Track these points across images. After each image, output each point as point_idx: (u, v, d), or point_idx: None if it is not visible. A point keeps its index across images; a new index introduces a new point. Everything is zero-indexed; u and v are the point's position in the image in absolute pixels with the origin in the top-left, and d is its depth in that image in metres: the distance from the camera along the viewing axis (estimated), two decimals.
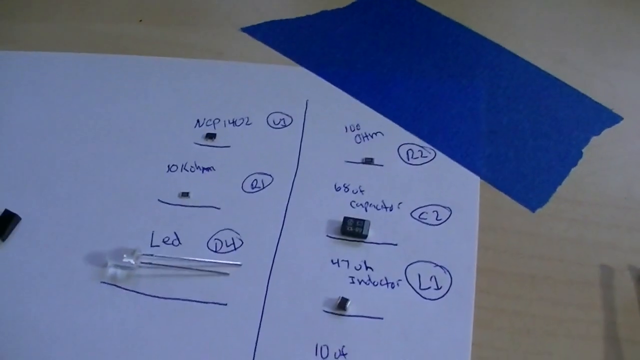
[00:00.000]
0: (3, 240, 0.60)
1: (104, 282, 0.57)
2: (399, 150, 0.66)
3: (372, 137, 0.67)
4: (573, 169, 0.65)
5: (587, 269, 0.59)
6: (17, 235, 0.61)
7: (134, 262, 0.58)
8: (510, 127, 0.68)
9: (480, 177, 0.64)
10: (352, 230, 0.59)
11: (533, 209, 0.62)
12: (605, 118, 0.69)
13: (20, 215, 0.62)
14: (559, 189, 0.64)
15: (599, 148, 0.67)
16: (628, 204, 0.63)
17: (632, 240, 0.60)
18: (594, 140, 0.68)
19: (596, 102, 0.70)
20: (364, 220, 0.59)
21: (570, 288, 0.57)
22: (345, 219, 0.60)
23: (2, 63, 0.77)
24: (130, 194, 0.63)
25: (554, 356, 0.54)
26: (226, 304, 0.56)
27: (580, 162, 0.66)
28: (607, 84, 0.73)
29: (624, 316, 0.56)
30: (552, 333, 0.55)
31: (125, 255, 0.58)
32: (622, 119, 0.69)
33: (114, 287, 0.57)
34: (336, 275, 0.57)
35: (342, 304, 0.55)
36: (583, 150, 0.66)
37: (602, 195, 0.63)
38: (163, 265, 0.58)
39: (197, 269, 0.58)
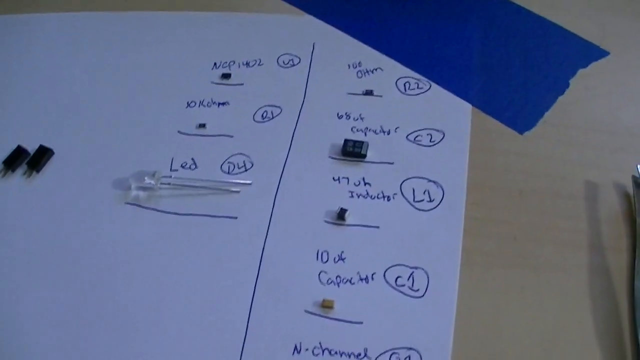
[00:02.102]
0: (38, 172, 0.60)
1: (128, 203, 0.57)
2: (397, 83, 0.64)
3: (372, 72, 0.65)
4: (560, 97, 0.63)
5: (572, 184, 0.57)
6: (51, 167, 0.61)
7: (154, 183, 0.57)
8: (501, 61, 0.66)
9: (472, 105, 0.62)
10: (352, 150, 0.58)
11: (521, 132, 0.60)
12: (593, 53, 0.66)
13: (54, 150, 0.62)
14: (546, 114, 0.61)
15: (586, 79, 0.65)
16: (613, 128, 0.60)
17: (616, 160, 0.58)
18: (581, 72, 0.65)
19: (585, 40, 0.68)
20: (362, 142, 0.58)
21: (556, 201, 0.55)
22: (346, 140, 0.58)
23: (34, 25, 0.76)
24: (153, 128, 0.63)
25: (539, 260, 0.52)
26: (237, 217, 0.55)
27: (567, 91, 0.63)
28: (596, 25, 0.70)
29: (608, 227, 0.54)
30: (538, 240, 0.53)
31: (146, 177, 0.58)
32: (608, 53, 0.67)
33: (137, 207, 0.57)
34: (337, 190, 0.56)
35: (341, 214, 0.54)
36: (570, 81, 0.64)
37: (587, 120, 0.61)
38: (181, 185, 0.57)
39: (211, 188, 0.57)
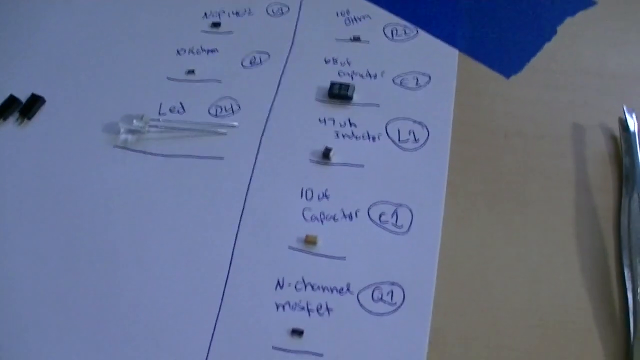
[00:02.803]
0: (29, 119, 0.59)
1: (117, 147, 0.55)
2: (384, 29, 0.62)
3: (360, 20, 0.63)
4: (547, 44, 0.60)
5: (558, 127, 0.54)
6: (42, 114, 0.59)
7: (142, 126, 0.55)
8: (488, 8, 0.63)
9: (459, 50, 0.60)
10: (338, 92, 0.55)
11: (507, 76, 0.58)
12: (580, 2, 0.64)
13: (45, 98, 0.60)
14: (533, 60, 0.59)
15: (573, 27, 0.62)
16: (599, 73, 0.58)
17: (603, 103, 0.56)
18: (569, 20, 0.63)
19: None
20: (348, 84, 0.56)
21: (542, 142, 0.53)
22: (332, 83, 0.56)
23: None
24: (142, 74, 0.60)
25: (524, 197, 0.50)
26: (223, 158, 0.53)
27: (554, 38, 0.61)
28: None
29: (595, 168, 0.52)
30: (523, 178, 0.51)
31: (135, 120, 0.56)
32: (596, 3, 0.64)
33: (125, 150, 0.55)
34: (322, 131, 0.54)
35: (326, 153, 0.52)
36: (557, 29, 0.62)
37: (574, 66, 0.59)
38: (168, 127, 0.55)
39: (198, 130, 0.55)
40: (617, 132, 0.53)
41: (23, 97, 0.60)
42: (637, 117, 0.53)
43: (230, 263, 0.48)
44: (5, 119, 0.59)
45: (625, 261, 0.47)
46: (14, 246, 0.50)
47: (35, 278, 0.48)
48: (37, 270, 0.49)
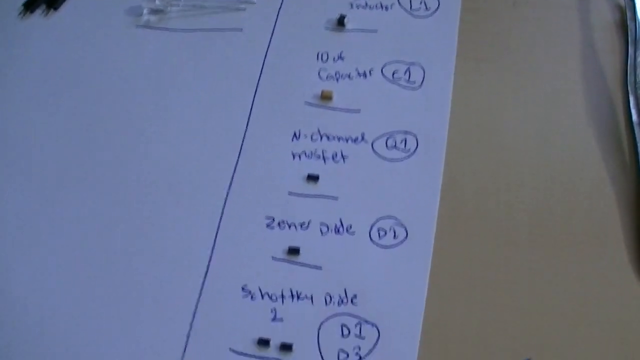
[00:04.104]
0: (56, 9, 0.57)
1: (139, 26, 0.54)
2: None
3: None
4: None
5: None
6: (68, 5, 0.57)
7: (165, 4, 0.54)
8: None
9: None
10: None
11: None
12: None
13: None
14: None
15: None
16: None
17: None
18: None
19: None
20: None
21: (549, 11, 0.51)
22: None
23: None
24: None
25: (533, 60, 0.48)
26: (241, 29, 0.52)
27: None
28: None
29: (601, 34, 0.50)
30: (531, 46, 0.49)
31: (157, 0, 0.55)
32: None
33: (148, 29, 0.54)
34: (337, 2, 0.52)
35: (341, 20, 0.50)
36: None
37: None
38: (189, 5, 0.54)
39: (218, 6, 0.53)
40: (622, 0, 0.51)
41: None
42: None
43: (249, 120, 0.47)
44: (32, 11, 0.58)
45: (635, 118, 0.45)
46: (40, 130, 0.49)
47: (59, 158, 0.47)
48: (60, 152, 0.48)
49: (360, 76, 0.48)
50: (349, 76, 0.48)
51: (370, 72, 0.48)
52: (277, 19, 0.52)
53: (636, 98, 0.45)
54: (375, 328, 0.39)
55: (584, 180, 0.43)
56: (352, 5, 0.52)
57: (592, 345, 0.38)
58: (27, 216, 0.45)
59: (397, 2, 0.51)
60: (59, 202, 0.45)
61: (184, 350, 0.39)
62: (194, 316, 0.40)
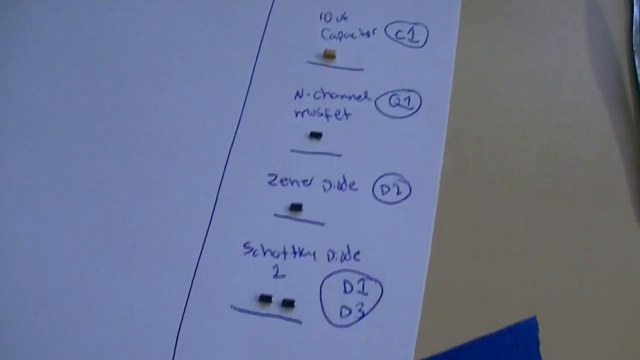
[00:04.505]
0: None
1: None
2: None
3: None
4: None
5: None
6: None
7: None
8: None
9: None
10: None
11: None
12: None
13: None
14: None
15: None
16: None
17: None
18: None
19: None
20: None
21: None
22: None
23: None
24: None
25: (538, 16, 0.47)
26: None
27: None
28: None
29: None
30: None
31: None
32: None
33: None
34: None
35: None
36: None
37: None
38: None
39: None
40: None
41: None
42: None
43: (251, 79, 0.46)
44: None
45: (638, 70, 0.44)
46: (43, 89, 0.48)
47: (62, 117, 0.46)
48: (64, 110, 0.46)
49: (363, 35, 0.46)
50: (352, 36, 0.46)
51: (373, 31, 0.46)
52: None
53: None
54: (378, 284, 0.38)
55: (589, 136, 0.42)
56: None
57: (597, 298, 0.37)
58: (30, 172, 0.43)
59: None
60: (62, 159, 0.44)
61: (185, 307, 0.38)
62: (195, 273, 0.39)
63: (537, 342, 0.36)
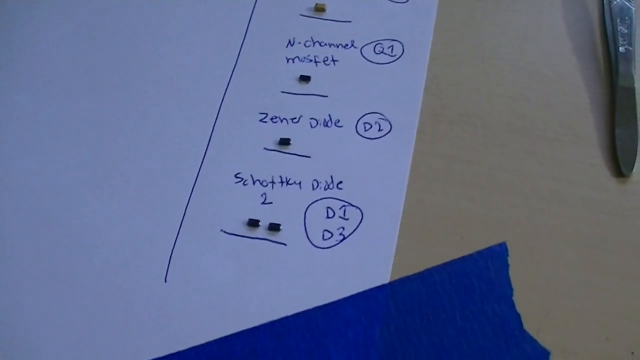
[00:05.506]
0: None
1: None
2: None
3: None
4: None
5: None
6: None
7: None
8: None
9: None
10: None
11: None
12: None
13: None
14: None
15: None
16: None
17: None
18: None
19: None
20: None
21: None
22: None
23: None
24: None
25: None
26: None
27: None
28: None
29: None
30: None
31: None
32: None
33: None
34: None
35: None
36: None
37: None
38: None
39: None
40: None
41: None
42: None
43: (247, 28, 0.47)
44: None
45: (608, 24, 0.45)
46: (49, 39, 0.49)
47: (66, 62, 0.47)
48: (68, 56, 0.48)
49: None
50: None
51: None
52: None
53: (610, 10, 0.45)
54: (358, 210, 0.39)
55: (560, 83, 0.43)
56: None
57: (563, 224, 0.38)
58: (36, 109, 0.45)
59: None
60: (66, 97, 0.45)
61: (178, 231, 0.40)
62: (189, 200, 0.41)
63: (507, 266, 0.37)
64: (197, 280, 0.38)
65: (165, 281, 0.38)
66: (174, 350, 0.36)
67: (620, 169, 0.39)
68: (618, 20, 0.44)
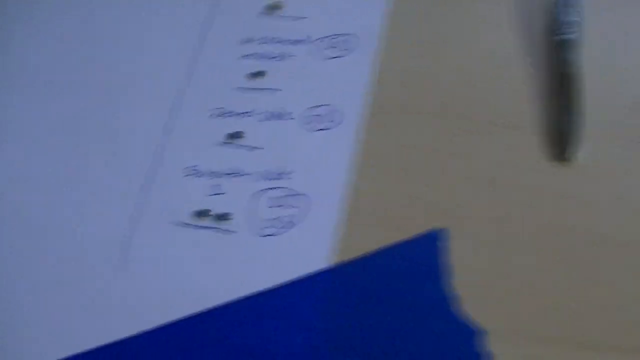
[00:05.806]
0: None
1: None
2: None
3: None
4: None
5: None
6: None
7: None
8: None
9: None
10: None
11: None
12: None
13: None
14: None
15: None
16: None
17: None
18: None
19: None
20: None
21: None
22: None
23: None
24: None
25: None
26: None
27: None
28: None
29: None
30: None
31: None
32: None
33: None
34: None
35: None
36: None
37: None
38: None
39: None
40: None
41: None
42: None
43: (204, 26, 0.48)
44: None
45: (557, 12, 0.44)
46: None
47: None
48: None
49: None
50: None
51: None
52: None
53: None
54: (306, 198, 0.40)
55: (506, 75, 0.43)
56: None
57: (503, 210, 0.38)
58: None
59: None
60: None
61: (128, 223, 0.41)
62: (140, 192, 0.42)
63: (444, 249, 0.37)
64: (149, 268, 0.39)
65: (119, 270, 0.39)
66: (125, 336, 0.37)
67: (562, 155, 0.39)
68: (565, 8, 0.44)
